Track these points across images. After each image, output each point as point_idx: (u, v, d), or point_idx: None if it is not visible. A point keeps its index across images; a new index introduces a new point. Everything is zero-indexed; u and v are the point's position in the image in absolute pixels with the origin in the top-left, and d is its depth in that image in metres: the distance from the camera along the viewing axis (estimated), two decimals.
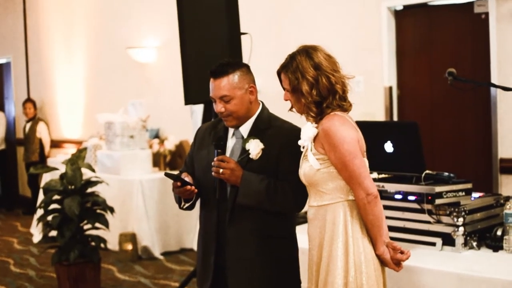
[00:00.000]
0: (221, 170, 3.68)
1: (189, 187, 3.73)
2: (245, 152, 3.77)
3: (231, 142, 3.88)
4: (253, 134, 3.80)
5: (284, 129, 3.83)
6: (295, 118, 3.77)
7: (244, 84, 3.78)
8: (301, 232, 3.94)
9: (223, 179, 3.72)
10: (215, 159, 3.72)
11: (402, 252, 3.39)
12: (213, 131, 3.96)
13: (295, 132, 3.73)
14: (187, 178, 3.83)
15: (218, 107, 3.77)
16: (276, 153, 3.74)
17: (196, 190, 3.78)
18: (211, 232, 3.86)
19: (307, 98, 3.43)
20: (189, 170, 4.00)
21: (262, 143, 3.74)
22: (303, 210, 3.81)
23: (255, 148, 3.73)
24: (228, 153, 3.85)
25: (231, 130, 3.89)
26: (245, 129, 3.85)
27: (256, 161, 3.74)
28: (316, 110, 3.46)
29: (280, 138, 3.76)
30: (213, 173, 3.71)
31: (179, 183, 3.73)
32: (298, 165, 3.59)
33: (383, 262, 3.41)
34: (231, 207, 3.76)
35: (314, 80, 3.41)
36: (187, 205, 3.93)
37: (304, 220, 4.07)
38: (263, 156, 3.74)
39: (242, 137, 3.83)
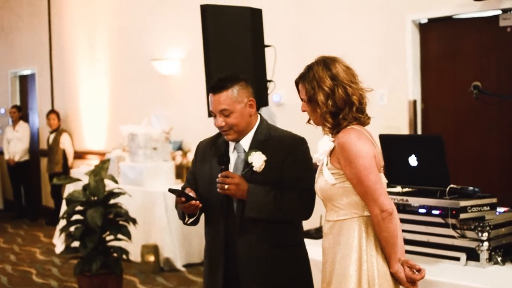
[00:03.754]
0: (226, 186, 3.70)
1: (193, 202, 3.75)
2: (248, 166, 3.78)
3: (233, 157, 3.89)
4: (254, 146, 3.82)
5: (284, 138, 3.87)
6: (313, 131, 3.76)
7: (244, 98, 3.82)
8: (315, 245, 3.93)
9: (229, 194, 3.74)
10: (219, 175, 3.74)
11: (418, 271, 3.34)
12: (213, 146, 3.98)
13: (296, 140, 3.83)
14: (191, 193, 3.85)
15: (219, 121, 3.80)
16: (280, 163, 3.76)
17: (200, 205, 3.79)
18: (219, 247, 3.86)
19: (322, 108, 3.41)
20: (192, 187, 4.01)
21: (264, 154, 3.76)
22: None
23: (258, 160, 3.75)
24: (231, 168, 3.86)
25: (231, 145, 3.92)
26: (245, 142, 3.87)
27: (260, 173, 3.76)
28: (332, 121, 3.43)
29: (281, 148, 3.79)
30: (218, 189, 3.73)
31: (183, 199, 3.75)
32: (302, 173, 3.68)
33: (397, 281, 3.36)
34: (240, 221, 3.77)
35: (330, 90, 3.39)
36: (191, 220, 3.95)
37: (319, 235, 4.06)
38: (267, 167, 3.76)
39: (244, 150, 3.85)
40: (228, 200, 3.80)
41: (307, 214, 3.82)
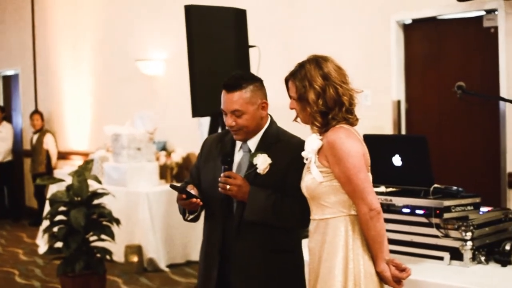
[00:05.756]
0: (228, 186, 3.65)
1: (194, 199, 3.70)
2: (252, 167, 3.73)
3: (238, 156, 3.84)
4: (261, 148, 3.76)
5: (292, 144, 3.78)
6: (300, 129, 3.74)
7: (257, 100, 3.74)
8: (305, 246, 3.92)
9: (230, 195, 3.69)
10: (221, 175, 3.69)
11: (403, 270, 3.34)
12: (220, 144, 3.91)
13: (303, 146, 3.70)
14: (193, 190, 3.79)
15: (229, 121, 3.73)
16: (284, 168, 3.70)
17: (201, 203, 3.74)
18: (215, 246, 3.83)
19: (312, 107, 3.39)
20: (195, 181, 3.96)
21: (270, 157, 3.70)
22: None
23: (262, 163, 3.69)
24: (235, 167, 3.81)
25: (238, 143, 3.85)
26: (253, 143, 3.81)
27: (263, 176, 3.70)
28: (321, 120, 3.41)
29: (288, 153, 3.72)
30: (219, 189, 3.68)
31: (184, 196, 3.70)
32: None
33: (383, 280, 3.35)
34: (238, 222, 3.73)
35: (321, 89, 3.37)
36: (191, 216, 3.90)
37: (305, 235, 4.04)
38: (271, 171, 3.70)
39: (250, 151, 3.79)
40: (229, 200, 3.75)
41: (306, 222, 3.70)
